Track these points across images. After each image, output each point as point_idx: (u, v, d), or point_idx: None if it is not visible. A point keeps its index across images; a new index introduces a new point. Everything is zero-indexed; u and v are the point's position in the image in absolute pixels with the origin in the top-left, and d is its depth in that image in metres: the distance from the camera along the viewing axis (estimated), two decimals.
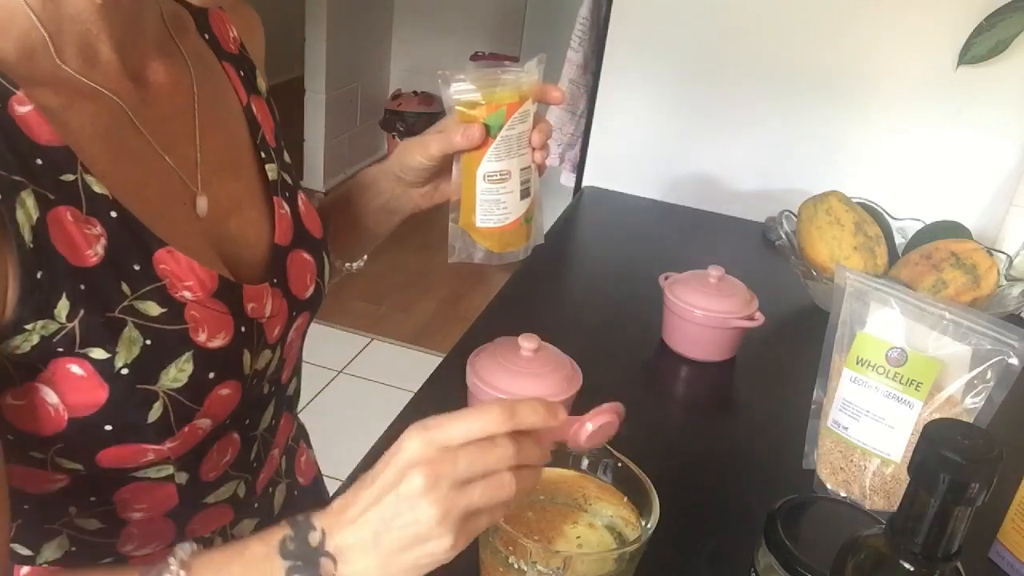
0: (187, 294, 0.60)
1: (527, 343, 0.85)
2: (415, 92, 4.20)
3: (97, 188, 0.57)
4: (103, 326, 0.55)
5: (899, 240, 1.27)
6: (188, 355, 0.59)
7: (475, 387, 0.84)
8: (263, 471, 0.75)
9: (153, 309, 0.58)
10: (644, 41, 1.55)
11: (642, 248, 1.42)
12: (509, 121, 0.74)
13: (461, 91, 0.77)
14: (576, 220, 1.53)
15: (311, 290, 0.74)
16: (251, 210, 0.71)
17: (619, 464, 0.68)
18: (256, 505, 0.75)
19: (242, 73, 0.75)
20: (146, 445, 0.60)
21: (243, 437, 0.70)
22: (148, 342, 0.57)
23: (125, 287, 0.57)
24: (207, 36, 0.73)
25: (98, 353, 0.55)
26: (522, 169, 0.76)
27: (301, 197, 0.76)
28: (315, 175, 3.93)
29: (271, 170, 0.73)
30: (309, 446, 0.92)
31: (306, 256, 0.74)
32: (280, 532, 0.53)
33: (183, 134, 0.67)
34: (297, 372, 0.80)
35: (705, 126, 1.57)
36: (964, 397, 0.78)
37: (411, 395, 0.95)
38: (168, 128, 0.65)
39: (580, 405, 0.86)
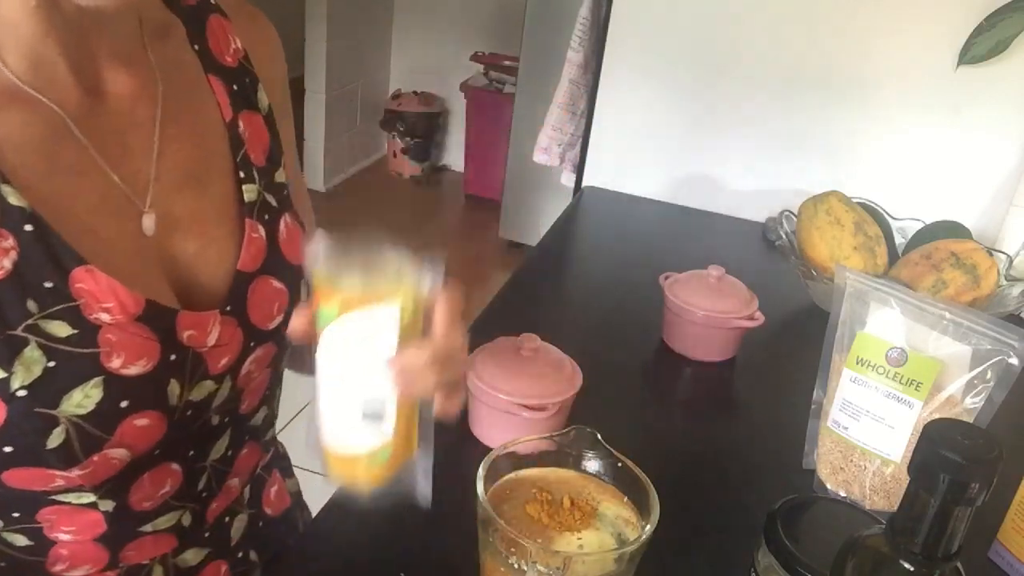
0: (104, 316, 0.57)
1: (527, 343, 0.85)
2: (415, 92, 4.20)
3: (13, 200, 0.54)
4: (2, 344, 0.53)
5: (899, 240, 1.27)
6: (97, 381, 0.56)
7: (475, 387, 0.84)
8: (216, 501, 0.73)
9: (62, 330, 0.55)
10: (644, 41, 1.55)
11: (642, 248, 1.42)
12: (340, 318, 0.55)
13: (316, 260, 0.56)
14: (576, 220, 1.53)
15: (278, 320, 0.70)
16: (217, 230, 0.67)
17: (619, 464, 0.68)
18: (207, 535, 0.73)
19: (235, 87, 0.72)
20: (51, 471, 0.57)
21: (187, 468, 0.67)
22: (51, 364, 0.54)
23: (32, 304, 0.54)
24: (197, 47, 0.70)
25: None
26: (363, 386, 0.56)
27: (286, 220, 0.72)
28: (315, 175, 3.93)
29: (249, 190, 0.70)
30: (288, 476, 0.88)
31: (276, 284, 0.70)
32: None
33: (139, 148, 0.63)
34: (267, 402, 0.76)
35: (705, 126, 1.57)
36: (964, 397, 0.78)
37: None
38: (119, 141, 0.62)
39: (580, 405, 0.86)
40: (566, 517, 0.65)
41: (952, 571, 0.50)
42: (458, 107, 4.15)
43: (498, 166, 3.65)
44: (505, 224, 3.64)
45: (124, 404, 0.58)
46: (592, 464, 0.69)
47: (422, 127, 4.16)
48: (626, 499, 0.67)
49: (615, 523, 0.65)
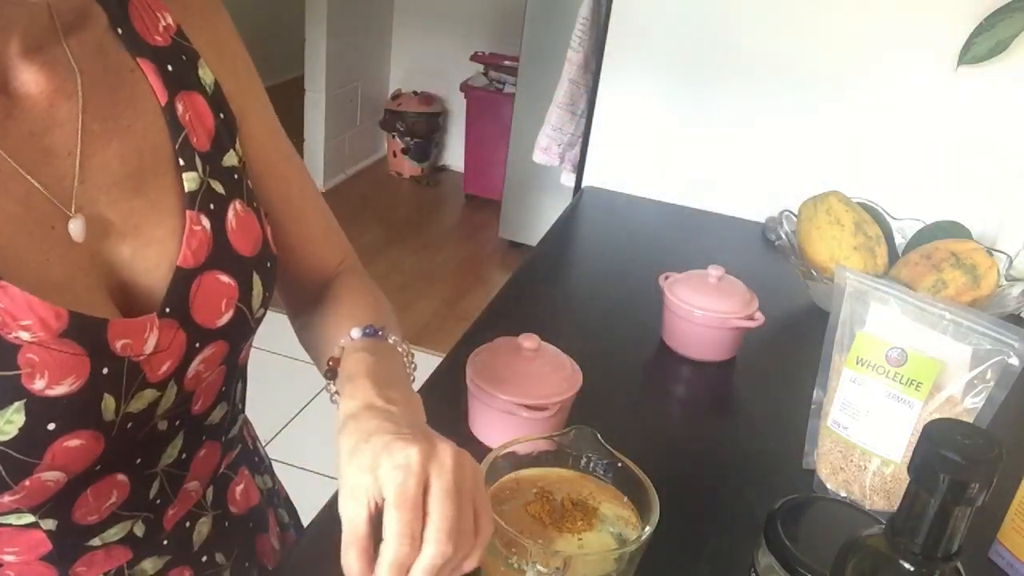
0: (24, 335, 0.52)
1: (527, 343, 0.85)
2: (415, 92, 4.20)
3: None
4: None
5: (899, 240, 1.27)
6: (19, 405, 0.52)
7: (475, 387, 0.84)
8: (173, 507, 0.69)
9: None
10: (644, 41, 1.55)
11: (642, 248, 1.42)
12: None
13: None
14: (576, 220, 1.53)
15: (227, 317, 0.65)
16: (155, 229, 0.62)
17: (619, 464, 0.68)
18: (165, 542, 0.69)
19: (170, 67, 0.65)
20: None
21: (135, 476, 0.64)
22: None
23: None
24: (121, 30, 0.64)
25: None
26: None
27: (236, 207, 0.67)
28: (315, 175, 3.92)
29: (190, 180, 0.64)
30: (257, 472, 0.84)
31: (223, 278, 0.65)
32: None
33: (59, 150, 0.58)
34: (226, 398, 0.72)
35: (705, 126, 1.57)
36: (964, 397, 0.78)
37: None
38: (38, 144, 0.57)
39: (580, 405, 0.86)
40: (566, 517, 0.65)
41: (952, 571, 0.50)
42: (458, 107, 4.15)
43: (498, 166, 3.65)
44: (505, 224, 3.64)
45: (51, 427, 0.54)
46: (592, 464, 0.69)
47: (422, 127, 4.16)
48: (626, 499, 0.67)
49: (615, 523, 0.65)
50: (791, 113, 1.51)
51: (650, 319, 1.11)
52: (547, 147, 2.36)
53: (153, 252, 0.62)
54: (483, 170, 3.94)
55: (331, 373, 0.70)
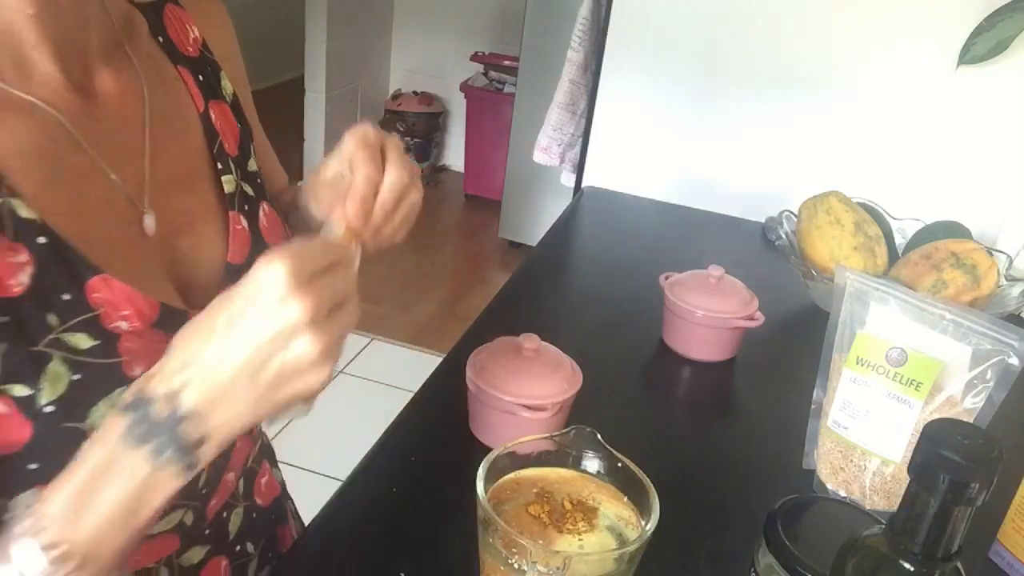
0: (123, 324, 0.56)
1: (527, 343, 0.85)
2: (415, 92, 4.20)
3: (24, 212, 0.53)
4: (26, 361, 0.52)
5: (899, 240, 1.27)
6: (122, 391, 0.55)
7: (475, 387, 0.84)
8: (215, 497, 0.73)
9: (83, 341, 0.54)
10: (644, 41, 1.55)
11: (642, 248, 1.42)
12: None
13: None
14: (576, 220, 1.53)
15: None
16: (205, 227, 0.67)
17: (619, 464, 0.68)
18: (207, 531, 0.73)
19: (201, 77, 0.71)
20: None
21: None
22: (76, 377, 0.54)
23: (52, 319, 0.53)
24: (161, 39, 0.69)
25: (20, 390, 0.52)
26: None
27: (264, 208, 0.72)
28: None
29: (228, 182, 0.69)
30: (274, 465, 0.89)
31: None
32: (118, 423, 0.49)
33: (132, 148, 0.63)
34: None
35: (705, 126, 1.57)
36: (964, 397, 0.78)
37: (411, 395, 0.95)
38: (115, 142, 0.62)
39: (580, 405, 0.86)
40: (566, 517, 0.65)
41: (952, 571, 0.50)
42: (458, 107, 4.15)
43: (498, 166, 3.65)
44: (505, 224, 3.64)
45: None
46: (592, 464, 0.69)
47: (422, 127, 4.16)
48: (626, 499, 0.67)
49: (615, 523, 0.65)
50: (791, 113, 1.51)
51: (650, 319, 1.11)
52: (547, 147, 2.36)
53: (205, 248, 0.67)
54: (483, 170, 3.94)
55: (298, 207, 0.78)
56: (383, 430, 0.88)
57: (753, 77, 1.51)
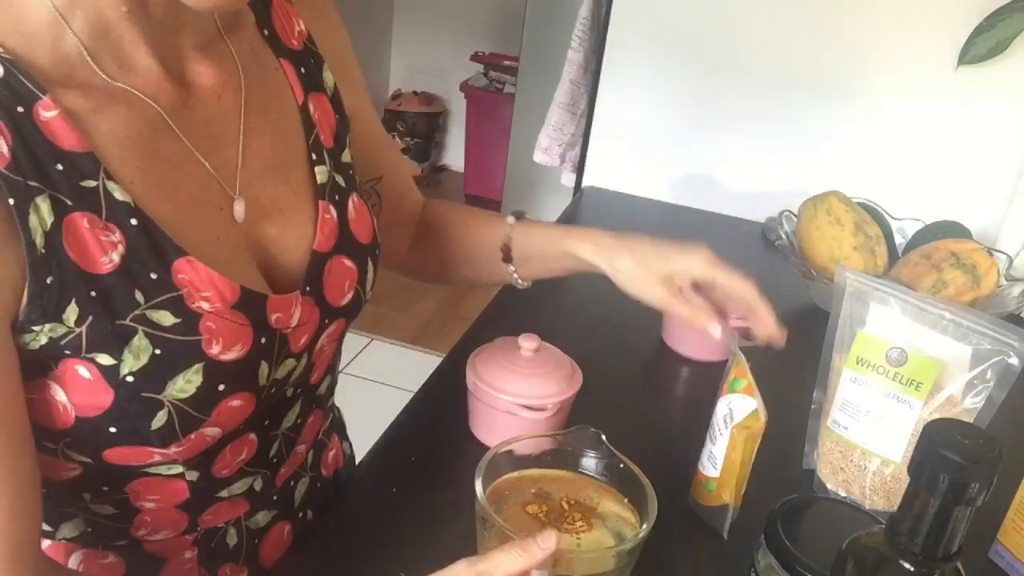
0: (204, 305, 0.59)
1: (527, 343, 0.85)
2: (415, 92, 4.20)
3: (119, 195, 0.56)
4: (112, 333, 0.55)
5: (899, 240, 1.27)
6: (198, 367, 0.59)
7: (475, 387, 0.84)
8: (284, 466, 0.76)
9: (166, 319, 0.58)
10: (644, 41, 1.55)
11: None
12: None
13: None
14: (576, 220, 1.53)
15: (348, 297, 0.73)
16: (295, 214, 0.70)
17: (620, 464, 0.68)
18: (275, 498, 0.76)
19: (303, 70, 0.74)
20: (151, 448, 0.60)
21: (261, 437, 0.71)
22: (157, 352, 0.57)
23: (139, 295, 0.57)
24: (266, 32, 0.72)
25: (104, 359, 0.56)
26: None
27: (353, 199, 0.75)
28: None
29: (321, 173, 0.72)
30: (344, 439, 0.93)
31: (347, 263, 0.72)
32: None
33: (227, 137, 0.66)
34: (331, 371, 0.80)
35: (705, 126, 1.57)
36: (964, 397, 0.78)
37: (411, 395, 0.95)
38: (210, 131, 0.65)
39: (580, 405, 0.86)
40: (565, 517, 0.65)
41: (952, 571, 0.50)
42: (458, 107, 4.15)
43: (498, 166, 3.65)
44: None
45: (221, 388, 0.60)
46: (592, 464, 0.69)
47: (422, 127, 4.16)
48: (626, 500, 0.67)
49: (614, 523, 0.65)
50: (791, 113, 1.51)
51: (650, 319, 1.11)
52: (547, 147, 2.36)
53: (293, 235, 0.69)
54: (483, 170, 3.94)
55: (506, 257, 0.88)
56: (383, 430, 0.88)
57: (753, 77, 1.51)
